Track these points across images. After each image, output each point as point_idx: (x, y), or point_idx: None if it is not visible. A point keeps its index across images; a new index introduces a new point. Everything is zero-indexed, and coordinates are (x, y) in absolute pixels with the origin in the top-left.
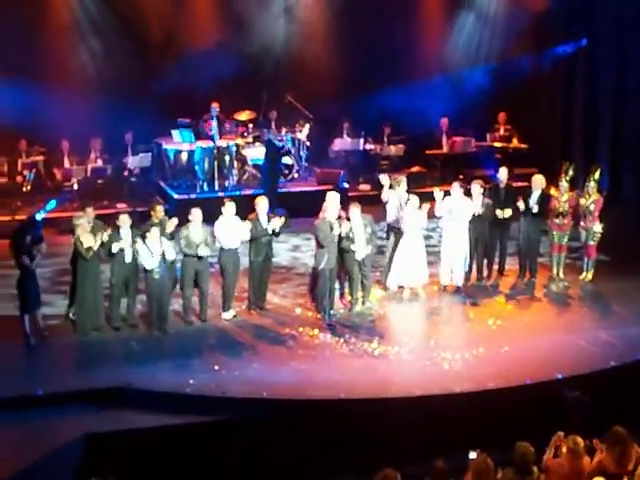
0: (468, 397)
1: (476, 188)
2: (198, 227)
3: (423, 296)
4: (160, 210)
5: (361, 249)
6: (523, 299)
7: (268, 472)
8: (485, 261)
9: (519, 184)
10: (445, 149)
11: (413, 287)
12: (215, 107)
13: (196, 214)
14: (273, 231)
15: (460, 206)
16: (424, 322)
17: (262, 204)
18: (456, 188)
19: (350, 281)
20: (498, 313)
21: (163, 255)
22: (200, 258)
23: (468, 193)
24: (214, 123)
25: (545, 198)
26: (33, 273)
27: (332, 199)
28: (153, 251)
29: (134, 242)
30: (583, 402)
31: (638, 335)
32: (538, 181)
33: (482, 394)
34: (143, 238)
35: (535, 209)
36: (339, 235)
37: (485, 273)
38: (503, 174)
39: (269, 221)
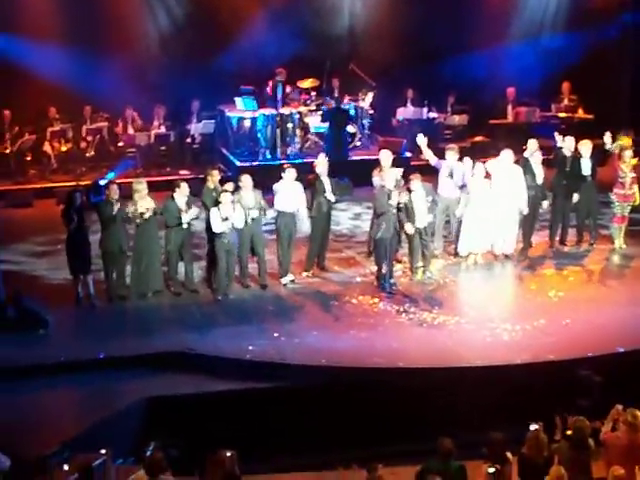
0: (527, 368)
1: (537, 157)
2: (249, 193)
3: (481, 262)
4: (216, 175)
5: (421, 218)
6: (585, 271)
7: (325, 439)
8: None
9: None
10: (510, 119)
11: (478, 253)
12: (281, 72)
13: (246, 180)
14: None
15: (508, 174)
16: (484, 292)
17: (322, 164)
18: (506, 155)
19: (410, 250)
20: (560, 285)
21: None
22: (252, 220)
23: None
24: (279, 88)
25: (595, 163)
26: (79, 237)
27: (386, 159)
28: (225, 216)
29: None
30: (592, 382)
31: None
32: (586, 147)
33: (541, 366)
34: (217, 203)
35: (588, 174)
36: (397, 204)
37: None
38: (570, 143)
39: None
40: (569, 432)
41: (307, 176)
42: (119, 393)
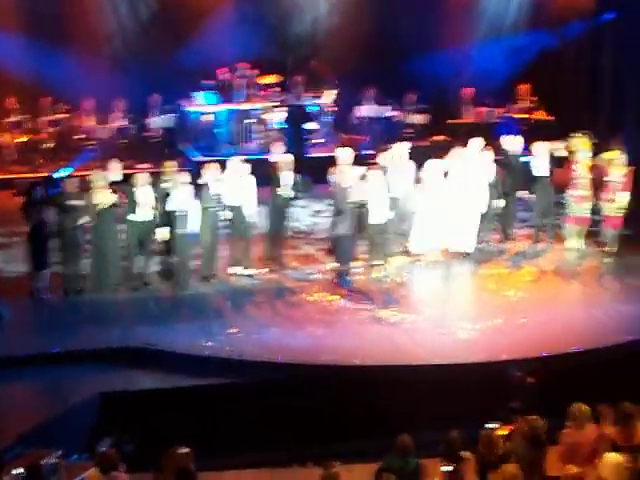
0: (482, 367)
1: (487, 155)
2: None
3: (440, 260)
4: (171, 166)
5: (380, 214)
6: (542, 270)
7: (282, 436)
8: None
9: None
10: (468, 119)
11: (434, 252)
12: (242, 68)
13: (210, 170)
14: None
15: (468, 172)
16: (442, 290)
17: (281, 158)
18: (466, 154)
19: (369, 246)
20: (517, 284)
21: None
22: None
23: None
24: (240, 82)
25: (552, 165)
26: (38, 230)
27: (344, 156)
28: (180, 206)
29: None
30: (525, 384)
31: None
32: (542, 148)
33: (496, 365)
34: (167, 194)
35: (544, 175)
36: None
37: (495, 237)
38: (515, 143)
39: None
40: (524, 430)
41: (267, 169)
42: (74, 388)
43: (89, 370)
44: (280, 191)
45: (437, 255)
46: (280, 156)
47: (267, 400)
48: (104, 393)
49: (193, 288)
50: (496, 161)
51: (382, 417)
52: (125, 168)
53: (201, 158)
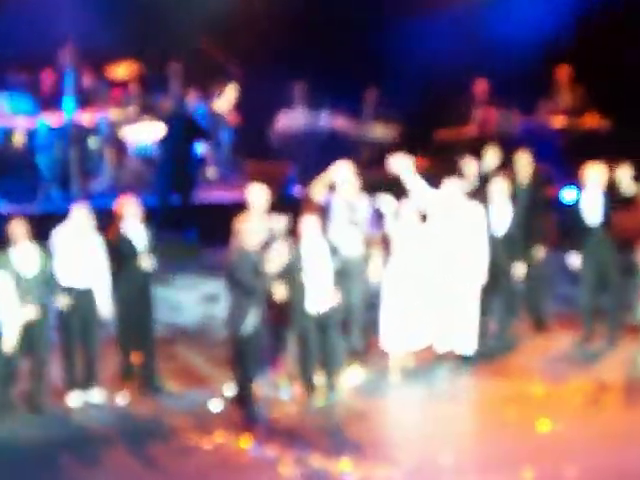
0: None
1: (497, 191)
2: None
3: (412, 365)
4: None
5: (321, 295)
6: (601, 386)
7: None
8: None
9: None
10: (469, 130)
11: (410, 352)
12: (69, 53)
13: (18, 230)
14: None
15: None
16: (429, 424)
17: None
18: (453, 189)
19: (302, 351)
20: (551, 410)
21: None
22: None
23: None
24: (69, 79)
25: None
26: None
27: (257, 199)
28: None
29: None
30: None
31: None
32: (594, 179)
33: None
34: None
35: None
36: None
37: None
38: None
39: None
40: None
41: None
42: None
43: None
44: (138, 262)
45: (409, 359)
46: (134, 206)
47: None
48: None
49: (6, 429)
50: (513, 200)
51: None
52: None
53: (10, 208)
